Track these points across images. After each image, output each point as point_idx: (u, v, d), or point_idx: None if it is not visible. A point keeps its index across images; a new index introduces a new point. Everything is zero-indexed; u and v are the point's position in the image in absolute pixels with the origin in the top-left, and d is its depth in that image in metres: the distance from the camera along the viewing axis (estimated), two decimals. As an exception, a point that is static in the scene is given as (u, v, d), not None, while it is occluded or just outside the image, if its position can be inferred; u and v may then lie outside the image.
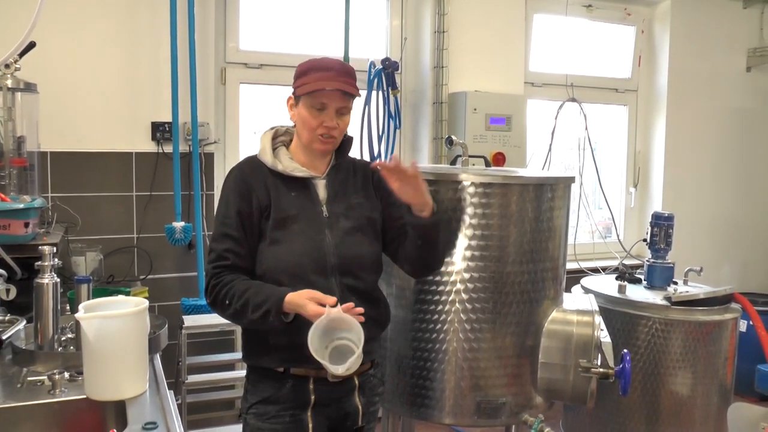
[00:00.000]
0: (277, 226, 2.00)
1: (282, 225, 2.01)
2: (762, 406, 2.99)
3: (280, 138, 2.14)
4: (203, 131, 3.70)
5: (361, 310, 1.85)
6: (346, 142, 2.16)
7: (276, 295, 1.90)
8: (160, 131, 3.63)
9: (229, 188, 2.06)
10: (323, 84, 1.97)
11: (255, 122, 4.11)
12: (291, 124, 2.15)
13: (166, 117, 3.60)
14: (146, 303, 2.11)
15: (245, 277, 1.99)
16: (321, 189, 2.10)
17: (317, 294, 1.88)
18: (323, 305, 1.83)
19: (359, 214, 2.11)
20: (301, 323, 1.87)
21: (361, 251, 2.08)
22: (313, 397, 2.03)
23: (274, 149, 2.10)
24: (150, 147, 3.65)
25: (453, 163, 2.89)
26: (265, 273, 2.00)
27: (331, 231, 2.04)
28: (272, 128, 2.18)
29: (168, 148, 3.64)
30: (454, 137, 2.81)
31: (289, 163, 2.07)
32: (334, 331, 1.86)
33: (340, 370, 1.81)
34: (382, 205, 2.17)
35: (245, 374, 2.17)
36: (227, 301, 1.95)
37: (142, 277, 3.66)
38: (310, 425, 2.04)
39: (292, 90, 2.08)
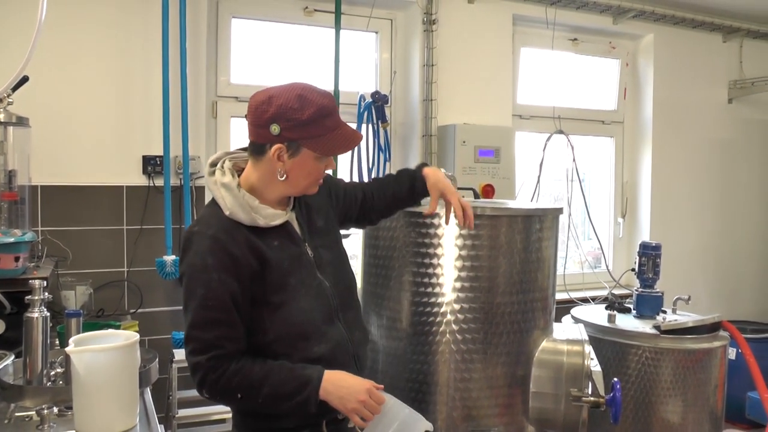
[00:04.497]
0: (275, 288, 1.82)
1: (280, 285, 1.82)
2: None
3: (234, 181, 1.86)
4: (194, 165, 3.72)
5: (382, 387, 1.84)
6: None
7: (311, 383, 1.75)
8: (151, 165, 3.64)
9: (206, 264, 1.74)
10: (353, 139, 1.83)
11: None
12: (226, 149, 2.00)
13: (158, 151, 3.61)
14: (137, 336, 2.10)
15: (250, 361, 1.77)
16: (295, 225, 1.94)
17: (366, 396, 1.76)
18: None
19: (331, 239, 2.02)
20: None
21: (348, 279, 2.03)
22: None
23: None
24: (141, 181, 3.66)
25: (442, 194, 2.91)
26: (273, 342, 1.82)
27: (322, 272, 1.92)
28: (214, 169, 1.88)
29: (159, 182, 3.65)
30: (443, 170, 2.84)
31: (265, 211, 1.83)
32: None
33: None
34: (339, 205, 2.12)
35: (241, 431, 1.98)
36: (239, 395, 1.76)
37: (132, 310, 3.65)
38: None
39: (278, 134, 1.76)
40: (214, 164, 1.90)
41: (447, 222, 2.17)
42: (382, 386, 1.83)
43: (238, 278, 1.76)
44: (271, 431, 1.89)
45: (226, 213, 1.80)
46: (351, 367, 1.91)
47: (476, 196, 2.95)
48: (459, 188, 2.83)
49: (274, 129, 1.76)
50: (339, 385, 1.76)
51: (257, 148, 1.82)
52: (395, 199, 2.22)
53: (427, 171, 2.17)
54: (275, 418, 1.85)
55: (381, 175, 4.11)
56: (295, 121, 1.75)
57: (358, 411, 1.76)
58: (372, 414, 1.77)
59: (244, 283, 1.77)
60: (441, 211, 2.17)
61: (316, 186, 1.90)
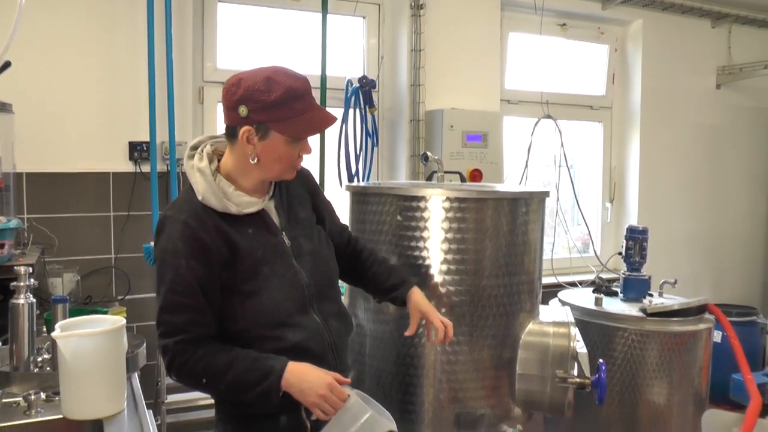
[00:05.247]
0: (247, 276, 1.80)
1: (252, 273, 1.80)
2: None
3: (212, 166, 1.86)
4: (181, 150, 3.69)
5: (349, 381, 1.82)
6: None
7: (273, 373, 1.74)
8: (138, 151, 3.62)
9: (176, 249, 1.74)
10: (322, 122, 1.80)
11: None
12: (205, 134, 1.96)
13: (144, 137, 3.59)
14: (123, 321, 2.09)
15: (217, 347, 1.77)
16: (273, 213, 1.92)
17: (327, 390, 1.74)
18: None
19: (312, 230, 2.00)
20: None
21: (328, 271, 2.00)
22: (308, 424, 1.88)
23: None
24: (127, 167, 3.64)
25: (429, 179, 2.92)
26: (246, 330, 1.82)
27: (298, 261, 1.89)
28: (194, 153, 1.88)
29: (146, 168, 3.63)
30: (429, 153, 2.85)
31: (239, 199, 1.82)
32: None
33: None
34: (321, 211, 2.10)
35: (221, 416, 1.98)
36: (204, 380, 1.76)
37: (120, 297, 3.64)
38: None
39: (246, 116, 1.76)
40: (195, 147, 1.90)
41: (429, 340, 2.21)
42: (348, 381, 1.82)
43: (208, 264, 1.75)
44: (248, 417, 1.88)
45: (199, 198, 1.79)
46: (328, 356, 1.90)
47: (462, 179, 2.96)
48: (446, 172, 2.84)
49: (242, 111, 1.76)
50: (301, 378, 1.74)
51: (230, 131, 1.82)
52: (372, 281, 2.23)
53: (413, 292, 2.18)
54: (258, 406, 1.83)
55: (369, 160, 4.12)
56: (262, 103, 1.75)
57: (319, 405, 1.75)
58: (333, 409, 1.75)
59: (213, 270, 1.76)
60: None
61: (293, 172, 1.88)
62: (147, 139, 3.58)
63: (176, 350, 1.74)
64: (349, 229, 2.29)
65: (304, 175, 2.09)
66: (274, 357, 1.77)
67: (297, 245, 1.91)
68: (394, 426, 1.78)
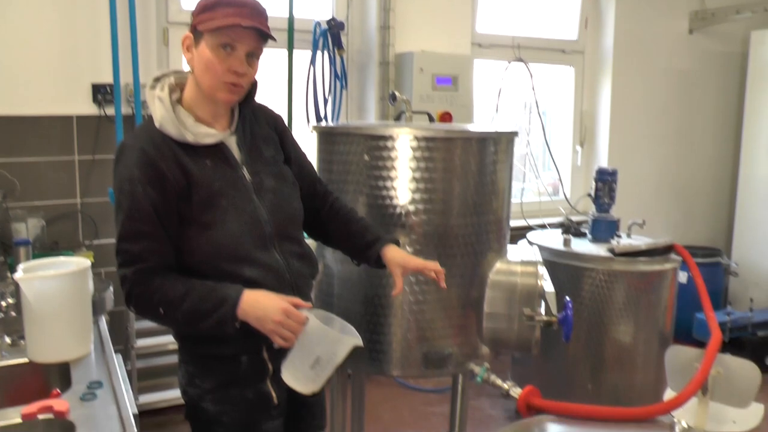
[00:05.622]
0: (204, 207, 1.77)
1: (208, 205, 1.77)
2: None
3: (173, 96, 1.82)
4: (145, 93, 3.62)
5: (309, 305, 1.80)
6: (252, 88, 1.91)
7: (228, 301, 1.71)
8: (101, 93, 3.55)
9: (132, 176, 1.72)
10: (237, 20, 1.70)
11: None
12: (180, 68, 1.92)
13: (107, 79, 3.51)
14: (88, 263, 2.08)
15: (174, 277, 1.76)
16: (234, 148, 1.87)
17: (282, 316, 1.71)
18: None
19: (277, 170, 1.95)
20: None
21: (291, 210, 1.96)
22: (270, 366, 1.87)
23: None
24: (91, 110, 3.57)
25: (397, 119, 2.89)
26: (201, 263, 1.79)
27: (259, 197, 1.86)
28: (156, 84, 1.84)
29: (110, 111, 3.56)
30: (397, 93, 2.81)
31: (197, 129, 1.79)
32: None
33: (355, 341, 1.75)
34: (289, 156, 2.05)
35: (183, 357, 1.95)
36: (161, 309, 1.74)
37: (87, 242, 3.60)
38: (274, 395, 1.90)
39: (189, 23, 1.78)
40: (158, 79, 1.86)
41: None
42: (307, 304, 1.79)
43: (164, 192, 1.73)
44: (211, 357, 1.87)
45: (157, 125, 1.77)
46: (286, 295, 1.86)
47: (431, 119, 2.93)
48: (414, 112, 2.81)
49: (191, 21, 1.78)
50: (255, 305, 1.72)
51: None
52: (347, 241, 2.16)
53: (389, 249, 2.09)
54: (215, 344, 1.83)
55: (338, 103, 4.07)
56: (200, 7, 1.75)
57: (276, 332, 1.72)
58: (293, 334, 1.72)
59: (169, 198, 1.74)
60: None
61: (228, 91, 1.78)
62: (111, 81, 3.50)
63: (134, 280, 1.72)
64: (323, 181, 2.21)
65: (273, 117, 2.05)
66: (230, 286, 1.75)
67: (258, 180, 1.88)
68: (358, 341, 1.76)
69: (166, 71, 1.89)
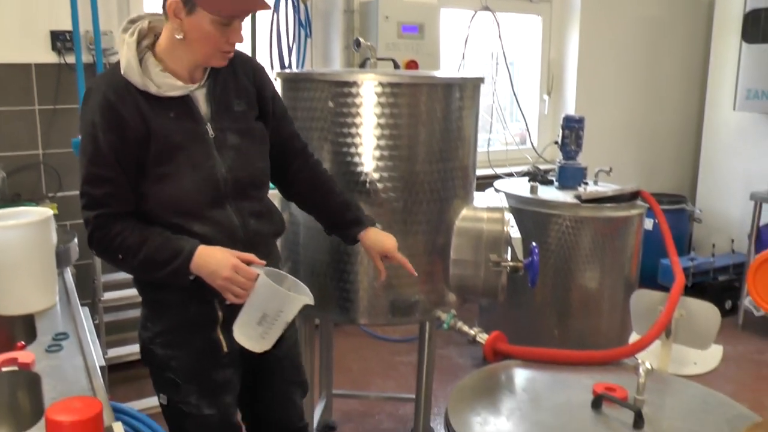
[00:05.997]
0: (160, 159, 1.75)
1: (165, 157, 1.76)
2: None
3: (144, 42, 1.78)
4: (107, 40, 3.51)
5: (263, 263, 1.79)
6: None
7: (181, 254, 1.73)
8: (61, 41, 3.43)
9: (94, 121, 1.71)
10: (249, 6, 1.74)
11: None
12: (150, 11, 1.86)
13: (66, 25, 3.38)
14: (50, 212, 2.05)
15: (134, 224, 1.77)
16: (201, 102, 1.84)
17: (231, 272, 1.72)
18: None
19: (246, 126, 1.91)
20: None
21: (254, 170, 1.92)
22: (220, 314, 1.88)
23: (140, 59, 1.75)
24: (51, 58, 3.45)
25: (362, 66, 2.84)
26: (153, 210, 1.79)
27: (220, 153, 1.82)
28: (130, 27, 1.78)
29: (70, 59, 3.45)
30: (361, 39, 2.76)
31: (162, 80, 1.75)
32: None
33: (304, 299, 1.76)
34: (265, 111, 1.99)
35: (142, 299, 1.98)
36: (120, 255, 1.76)
37: (51, 194, 3.52)
38: (224, 343, 1.90)
39: None
40: (133, 21, 1.81)
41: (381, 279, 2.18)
42: (260, 262, 1.79)
43: (123, 138, 1.72)
44: (162, 301, 1.89)
45: (122, 72, 1.73)
46: None
47: (396, 66, 2.89)
48: (378, 59, 2.76)
49: None
50: (208, 260, 1.73)
51: (163, 6, 1.74)
52: (324, 212, 2.16)
53: (369, 232, 2.13)
54: (167, 290, 1.85)
55: (302, 52, 3.98)
56: None
57: (226, 288, 1.74)
58: (245, 291, 1.74)
59: (129, 145, 1.73)
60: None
61: (223, 59, 1.78)
62: (70, 28, 3.38)
63: (96, 224, 1.75)
64: (304, 149, 2.15)
65: (254, 68, 1.98)
66: (187, 239, 1.76)
67: (221, 137, 1.84)
68: (308, 300, 1.77)
69: (141, 14, 1.83)
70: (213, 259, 1.73)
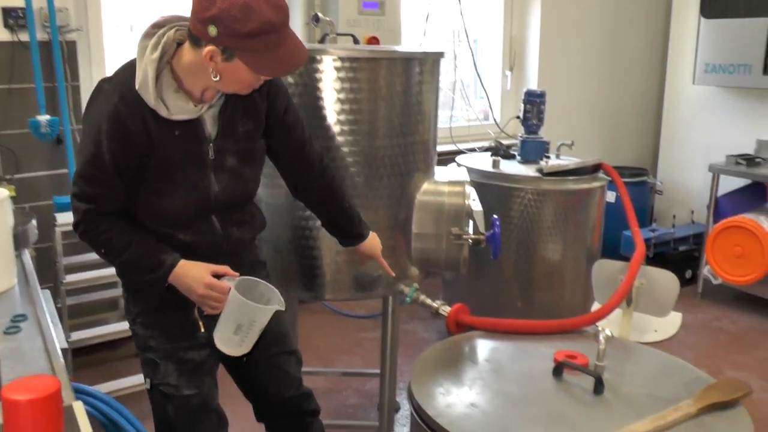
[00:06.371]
0: (158, 175, 1.80)
1: (164, 173, 1.80)
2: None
3: (164, 57, 1.75)
4: (62, 17, 3.44)
5: (236, 275, 1.86)
6: None
7: (162, 267, 1.82)
8: (13, 18, 3.34)
9: (101, 127, 1.72)
10: (292, 62, 1.73)
11: (118, 6, 3.86)
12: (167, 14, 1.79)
13: (19, 2, 3.31)
14: (6, 193, 2.03)
15: (122, 225, 1.82)
16: (209, 122, 1.85)
17: (205, 290, 1.82)
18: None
19: (246, 146, 1.93)
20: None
21: (245, 191, 2.00)
22: (201, 322, 1.95)
23: (157, 76, 1.73)
24: (3, 36, 3.37)
25: (321, 42, 2.83)
26: (141, 217, 1.86)
27: (216, 175, 1.88)
28: (153, 35, 1.73)
29: (24, 37, 3.37)
30: (320, 14, 2.74)
31: (175, 102, 1.75)
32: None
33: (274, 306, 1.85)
34: (274, 126, 2.00)
35: (122, 283, 2.07)
36: (103, 250, 1.85)
37: (8, 177, 3.45)
38: (201, 323, 1.95)
39: (214, 37, 1.62)
40: (157, 26, 1.76)
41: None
42: (235, 274, 1.86)
43: (126, 149, 1.75)
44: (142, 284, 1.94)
45: (136, 87, 1.72)
46: (219, 261, 1.89)
47: (356, 41, 2.87)
48: (338, 34, 2.75)
49: (212, 31, 1.63)
50: (184, 277, 1.83)
51: (194, 40, 1.70)
52: (333, 221, 2.24)
53: (367, 242, 2.25)
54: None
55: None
56: (235, 31, 1.61)
57: (202, 303, 1.85)
58: (220, 303, 1.82)
59: (131, 156, 1.76)
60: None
61: (249, 90, 1.80)
62: (22, 4, 3.31)
63: (84, 218, 1.80)
64: (311, 152, 2.13)
65: (272, 83, 1.95)
66: (168, 251, 1.84)
67: (220, 159, 1.88)
68: (279, 307, 1.84)
69: (169, 18, 1.78)
70: (188, 278, 1.82)
